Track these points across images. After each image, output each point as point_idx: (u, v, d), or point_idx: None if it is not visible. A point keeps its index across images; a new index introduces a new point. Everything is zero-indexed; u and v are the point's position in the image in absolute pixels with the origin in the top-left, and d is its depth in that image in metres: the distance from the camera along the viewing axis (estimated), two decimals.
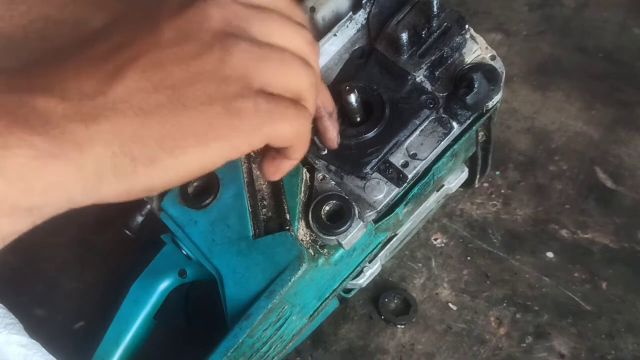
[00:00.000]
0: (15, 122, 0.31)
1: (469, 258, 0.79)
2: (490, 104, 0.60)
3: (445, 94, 0.61)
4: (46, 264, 0.85)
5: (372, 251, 0.64)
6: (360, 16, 0.65)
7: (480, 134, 0.68)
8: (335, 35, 0.65)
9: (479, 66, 0.60)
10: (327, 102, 0.52)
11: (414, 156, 0.59)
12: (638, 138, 0.90)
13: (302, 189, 0.59)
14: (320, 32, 0.67)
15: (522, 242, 0.80)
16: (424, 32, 0.61)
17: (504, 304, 0.75)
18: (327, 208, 0.58)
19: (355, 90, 0.58)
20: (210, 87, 0.35)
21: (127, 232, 0.68)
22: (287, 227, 0.57)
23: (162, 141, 0.34)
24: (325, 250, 0.58)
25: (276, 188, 0.59)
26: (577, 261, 0.78)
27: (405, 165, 0.59)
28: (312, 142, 0.52)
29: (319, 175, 0.59)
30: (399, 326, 0.74)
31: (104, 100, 0.33)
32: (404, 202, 0.60)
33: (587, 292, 0.75)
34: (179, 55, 0.35)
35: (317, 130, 0.54)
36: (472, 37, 0.62)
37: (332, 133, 0.54)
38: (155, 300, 0.68)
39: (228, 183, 0.60)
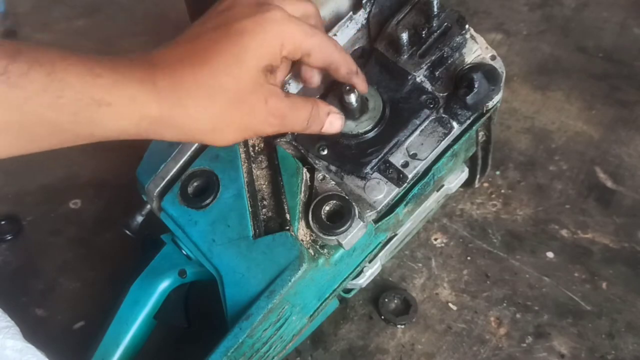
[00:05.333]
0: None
1: (469, 258, 0.79)
2: (490, 104, 0.60)
3: (445, 94, 0.61)
4: (46, 264, 0.85)
5: (372, 251, 0.64)
6: (360, 16, 0.65)
7: (480, 134, 0.68)
8: (335, 35, 0.65)
9: (479, 66, 0.60)
10: (347, 61, 0.54)
11: (414, 156, 0.59)
12: (638, 138, 0.90)
13: (302, 189, 0.59)
14: None
15: (522, 242, 0.80)
16: (424, 32, 0.61)
17: (504, 304, 0.75)
18: (327, 208, 0.58)
19: (355, 90, 0.58)
20: None
21: (127, 232, 0.68)
22: (287, 227, 0.57)
23: None
24: (326, 251, 0.58)
25: (276, 188, 0.59)
26: (577, 261, 0.78)
27: (405, 165, 0.59)
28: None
29: (319, 175, 0.59)
30: (399, 326, 0.74)
31: None
32: (404, 202, 0.60)
33: (587, 292, 0.75)
34: None
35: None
36: (472, 37, 0.62)
37: (362, 84, 0.57)
38: (155, 300, 0.68)
39: (228, 183, 0.60)
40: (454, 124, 0.60)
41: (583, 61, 1.02)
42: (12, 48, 0.39)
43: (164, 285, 0.68)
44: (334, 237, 0.56)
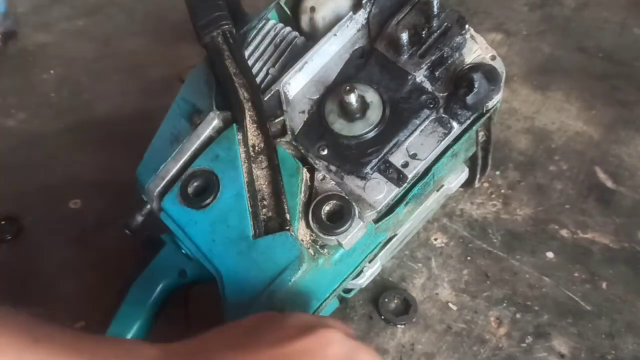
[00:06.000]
0: None
1: (469, 258, 0.79)
2: (490, 104, 0.60)
3: (445, 94, 0.61)
4: (46, 264, 0.85)
5: (372, 251, 0.64)
6: (360, 16, 0.65)
7: (480, 134, 0.68)
8: (335, 35, 0.65)
9: (479, 66, 0.60)
10: None
11: (414, 156, 0.59)
12: (638, 138, 0.90)
13: (302, 189, 0.59)
14: (320, 32, 0.67)
15: (522, 242, 0.80)
16: (424, 32, 0.61)
17: (504, 304, 0.75)
18: (327, 208, 0.58)
19: (355, 90, 0.58)
20: None
21: (127, 232, 0.68)
22: (287, 227, 0.57)
23: None
24: (326, 250, 0.58)
25: (276, 188, 0.59)
26: (577, 261, 0.78)
27: (405, 165, 0.59)
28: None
29: (319, 175, 0.59)
30: (399, 326, 0.74)
31: None
32: (404, 202, 0.60)
33: (587, 292, 0.75)
34: None
35: None
36: (472, 37, 0.62)
37: None
38: (155, 300, 0.68)
39: (228, 183, 0.60)
40: (454, 124, 0.60)
41: (583, 61, 1.02)
42: None
43: (164, 285, 0.68)
44: (334, 237, 0.56)
